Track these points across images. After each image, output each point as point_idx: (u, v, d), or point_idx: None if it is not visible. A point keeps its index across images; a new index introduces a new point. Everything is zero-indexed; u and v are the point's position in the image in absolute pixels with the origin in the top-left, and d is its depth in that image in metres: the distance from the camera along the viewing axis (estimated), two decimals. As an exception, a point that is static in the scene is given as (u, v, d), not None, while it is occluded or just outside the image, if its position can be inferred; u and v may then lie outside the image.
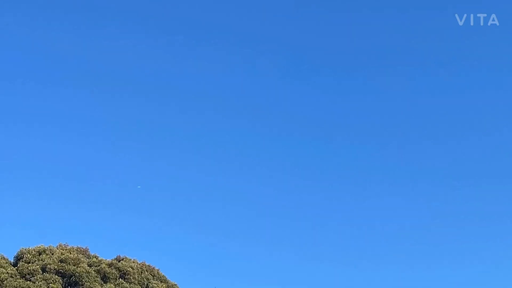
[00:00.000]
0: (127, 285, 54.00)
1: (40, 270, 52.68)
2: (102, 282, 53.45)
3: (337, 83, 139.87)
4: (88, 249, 58.12)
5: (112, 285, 53.15)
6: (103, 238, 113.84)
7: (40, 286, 50.84)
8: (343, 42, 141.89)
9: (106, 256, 57.64)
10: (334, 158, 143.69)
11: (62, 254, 54.91)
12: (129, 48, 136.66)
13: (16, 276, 51.92)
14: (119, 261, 56.57)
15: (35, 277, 51.83)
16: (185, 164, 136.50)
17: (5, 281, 50.68)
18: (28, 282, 51.19)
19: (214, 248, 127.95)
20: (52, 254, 54.99)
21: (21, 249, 56.23)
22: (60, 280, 52.40)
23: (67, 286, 52.98)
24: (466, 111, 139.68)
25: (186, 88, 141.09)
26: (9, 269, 52.70)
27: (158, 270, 58.74)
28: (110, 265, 55.50)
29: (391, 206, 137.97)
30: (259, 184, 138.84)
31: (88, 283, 52.57)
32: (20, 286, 50.58)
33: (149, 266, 58.39)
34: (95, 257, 56.90)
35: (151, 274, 57.38)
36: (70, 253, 55.25)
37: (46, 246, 56.62)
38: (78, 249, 57.32)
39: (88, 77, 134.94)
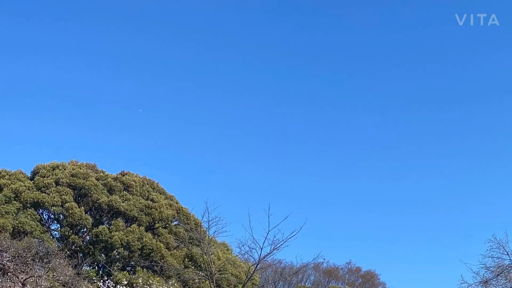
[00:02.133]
0: (130, 196, 54.35)
1: (54, 184, 52.90)
2: (108, 194, 53.81)
3: (315, 19, 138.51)
4: (96, 165, 58.32)
5: (117, 196, 53.49)
6: (109, 155, 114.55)
7: (54, 198, 51.16)
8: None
9: (112, 171, 57.96)
10: (312, 85, 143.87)
11: (73, 169, 55.06)
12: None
13: (32, 188, 52.18)
14: (123, 176, 56.78)
15: (50, 189, 52.13)
16: (181, 89, 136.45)
17: (23, 193, 50.98)
18: (43, 194, 51.50)
19: (207, 164, 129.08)
20: (65, 169, 55.12)
21: (37, 164, 56.41)
22: (72, 192, 52.71)
23: (78, 198, 53.34)
24: (434, 44, 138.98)
25: (181, 22, 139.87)
26: (26, 182, 52.91)
27: (157, 183, 59.03)
28: (115, 179, 55.74)
29: (363, 127, 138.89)
30: (247, 108, 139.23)
31: (96, 195, 52.92)
32: (36, 197, 50.91)
33: (149, 180, 58.65)
34: (102, 172, 57.07)
35: (151, 187, 57.70)
36: (80, 169, 55.41)
37: (59, 162, 56.71)
38: (87, 165, 57.45)
39: (96, 13, 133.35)
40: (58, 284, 41.55)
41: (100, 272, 50.98)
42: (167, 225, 55.10)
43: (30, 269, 39.93)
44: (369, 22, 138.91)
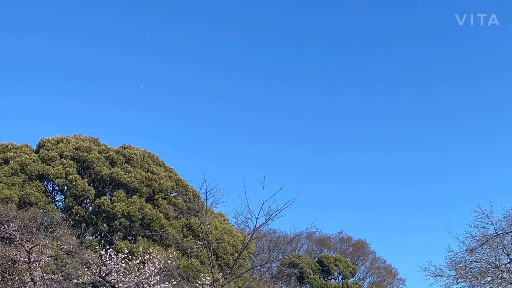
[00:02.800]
0: (131, 169, 54.44)
1: (58, 156, 52.95)
2: (110, 166, 53.90)
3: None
4: (98, 138, 58.32)
5: (118, 169, 53.58)
6: (111, 129, 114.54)
7: (58, 170, 51.25)
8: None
9: (113, 144, 58.01)
10: (306, 61, 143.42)
11: (76, 143, 55.07)
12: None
13: (38, 161, 52.23)
14: (124, 149, 56.82)
15: (54, 162, 52.19)
16: (180, 67, 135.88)
17: (29, 166, 51.05)
18: (48, 166, 51.57)
19: (205, 137, 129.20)
20: (68, 143, 55.14)
21: (42, 138, 56.41)
22: (75, 164, 52.77)
23: (81, 170, 53.43)
24: (423, 25, 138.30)
25: (182, 2, 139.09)
26: (32, 155, 52.94)
27: (157, 156, 59.08)
28: (117, 152, 55.78)
29: (354, 102, 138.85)
30: (243, 83, 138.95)
31: (99, 167, 53.00)
32: (41, 169, 50.99)
33: (150, 153, 58.68)
34: (104, 145, 57.07)
35: (151, 160, 57.76)
36: (83, 142, 55.40)
37: (63, 136, 56.72)
38: (90, 139, 57.42)
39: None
40: (62, 252, 41.72)
41: (103, 241, 51.25)
42: (166, 196, 55.26)
43: (36, 238, 40.00)
44: (363, 4, 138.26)
